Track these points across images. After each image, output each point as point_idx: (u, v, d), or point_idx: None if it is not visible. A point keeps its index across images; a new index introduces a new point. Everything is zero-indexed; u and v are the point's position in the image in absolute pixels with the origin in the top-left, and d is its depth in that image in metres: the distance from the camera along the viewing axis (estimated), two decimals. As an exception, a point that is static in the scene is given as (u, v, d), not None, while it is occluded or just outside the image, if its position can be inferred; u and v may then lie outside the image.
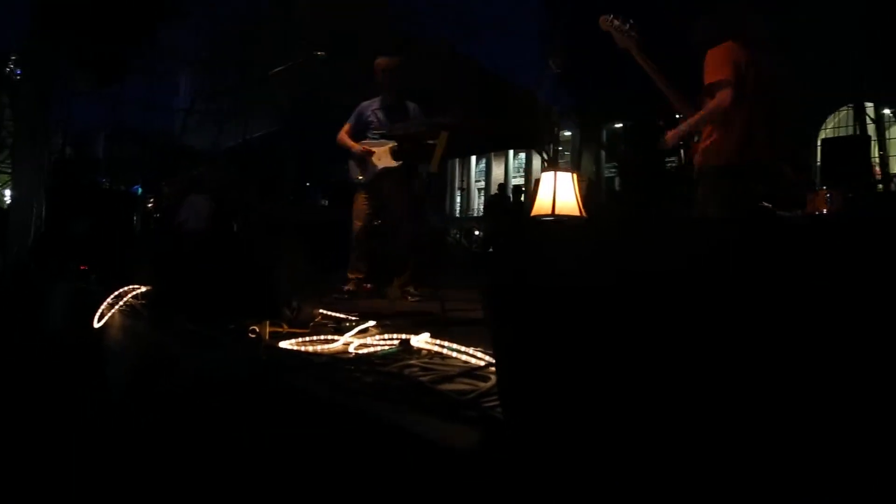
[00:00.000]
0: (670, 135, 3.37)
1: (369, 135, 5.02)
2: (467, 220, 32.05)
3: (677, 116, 3.50)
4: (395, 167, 4.84)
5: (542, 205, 2.44)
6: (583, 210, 2.44)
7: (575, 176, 2.49)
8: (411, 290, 4.83)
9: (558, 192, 2.35)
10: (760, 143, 3.29)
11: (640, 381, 1.16)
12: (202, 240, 3.56)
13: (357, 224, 5.01)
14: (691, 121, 3.29)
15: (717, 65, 3.22)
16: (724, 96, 3.14)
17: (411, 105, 5.03)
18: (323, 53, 4.57)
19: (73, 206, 6.79)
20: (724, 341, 1.02)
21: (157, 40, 9.66)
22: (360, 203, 5.02)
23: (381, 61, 4.94)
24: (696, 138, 3.42)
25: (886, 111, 9.71)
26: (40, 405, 3.57)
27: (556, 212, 2.33)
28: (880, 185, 6.99)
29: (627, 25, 3.34)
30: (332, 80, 7.32)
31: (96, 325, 3.56)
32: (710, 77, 3.24)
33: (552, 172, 2.41)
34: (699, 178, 3.35)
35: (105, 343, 3.42)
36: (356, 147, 4.96)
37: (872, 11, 9.47)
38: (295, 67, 4.66)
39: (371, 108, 5.06)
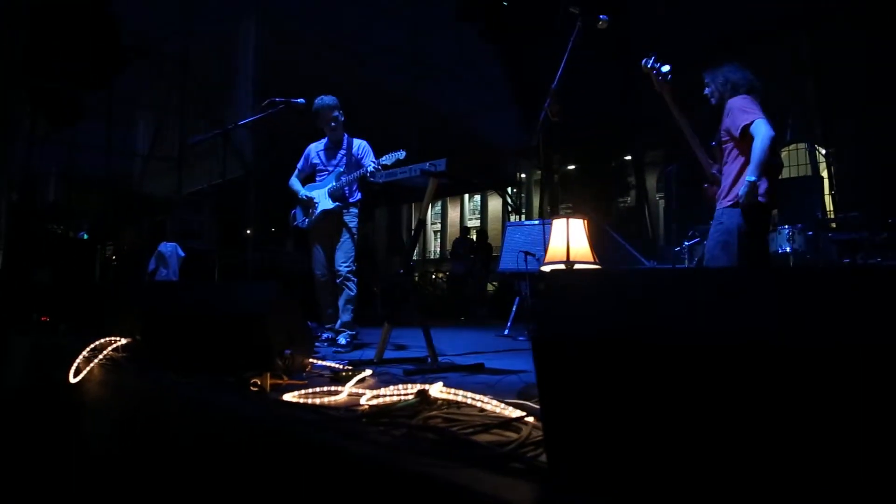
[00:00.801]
0: (751, 194, 3.34)
1: (317, 177, 5.03)
2: (424, 263, 32.03)
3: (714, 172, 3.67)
4: (332, 208, 4.81)
5: (555, 252, 2.46)
6: (595, 256, 2.47)
7: (586, 222, 2.53)
8: (340, 339, 4.76)
9: (571, 239, 2.38)
10: (777, 184, 3.49)
11: (698, 434, 1.17)
12: (188, 289, 3.47)
13: (316, 273, 4.97)
14: (757, 164, 3.33)
15: (744, 109, 3.39)
16: (766, 129, 3.31)
17: (357, 142, 4.98)
18: (304, 102, 4.57)
19: (32, 254, 6.58)
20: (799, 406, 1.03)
21: (116, 84, 9.54)
22: (315, 251, 4.98)
23: (316, 104, 4.90)
24: (704, 185, 3.56)
25: (822, 151, 10.14)
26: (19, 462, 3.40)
27: (571, 258, 2.36)
28: (834, 224, 7.23)
29: (664, 70, 3.49)
30: (299, 126, 7.32)
31: (72, 380, 3.42)
32: (742, 120, 3.39)
33: (563, 219, 2.45)
34: (745, 217, 3.38)
35: (85, 399, 3.28)
36: (301, 192, 4.97)
37: (816, 52, 9.96)
38: (273, 116, 4.64)
39: (316, 149, 5.07)
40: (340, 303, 4.82)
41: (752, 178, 3.30)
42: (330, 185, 4.84)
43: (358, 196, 4.97)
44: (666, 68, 3.46)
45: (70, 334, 4.49)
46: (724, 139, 3.55)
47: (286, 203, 5.23)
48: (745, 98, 3.45)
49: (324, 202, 4.83)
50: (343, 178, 4.78)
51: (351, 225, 4.89)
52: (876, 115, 9.56)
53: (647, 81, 3.51)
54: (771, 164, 3.34)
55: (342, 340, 4.71)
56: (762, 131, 3.30)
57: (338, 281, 4.82)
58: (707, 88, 3.70)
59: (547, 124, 3.08)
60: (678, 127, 3.56)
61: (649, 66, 3.49)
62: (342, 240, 4.84)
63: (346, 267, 4.80)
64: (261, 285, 2.99)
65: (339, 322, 4.81)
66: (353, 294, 4.82)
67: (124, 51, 9.51)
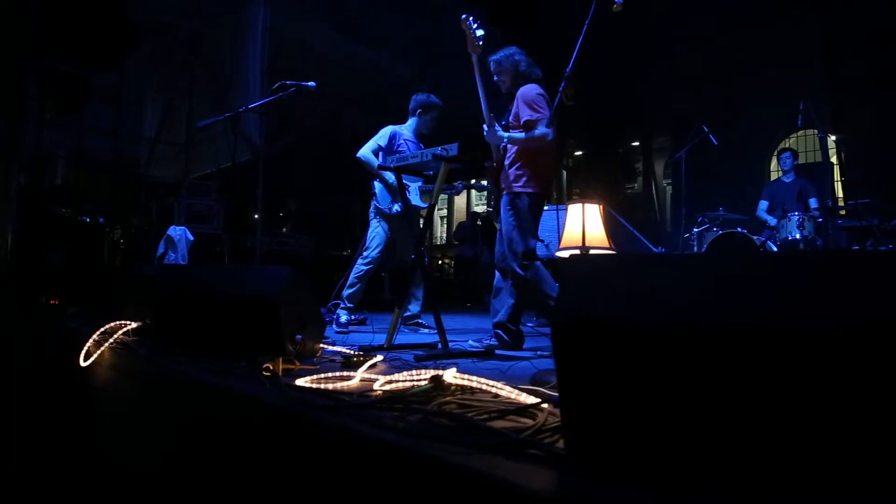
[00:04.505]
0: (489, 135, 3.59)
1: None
2: (431, 248, 31.95)
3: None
4: (423, 207, 4.92)
5: (570, 237, 2.45)
6: (610, 242, 2.45)
7: (601, 208, 2.50)
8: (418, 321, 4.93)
9: (587, 224, 2.37)
10: (551, 177, 3.69)
11: (722, 419, 1.16)
12: (200, 273, 3.46)
13: (375, 256, 4.94)
14: (511, 136, 3.55)
15: (535, 102, 3.51)
16: (546, 132, 3.40)
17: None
18: (315, 85, 4.53)
19: (41, 237, 6.59)
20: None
21: (124, 67, 9.50)
22: (383, 235, 4.95)
23: (436, 100, 5.07)
24: (493, 163, 3.71)
25: (833, 137, 10.11)
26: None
27: (587, 243, 2.34)
28: (843, 211, 7.17)
29: (478, 34, 3.50)
30: (308, 111, 7.29)
31: (83, 363, 3.43)
32: (528, 113, 3.51)
33: (579, 204, 2.43)
34: (514, 202, 3.54)
35: (95, 383, 3.29)
36: (392, 178, 4.82)
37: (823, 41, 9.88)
38: (283, 99, 4.61)
39: (403, 136, 5.01)
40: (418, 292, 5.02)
41: (500, 133, 3.52)
42: (420, 184, 4.91)
43: None
44: (480, 32, 3.49)
45: (79, 318, 4.50)
46: (512, 123, 3.65)
47: (294, 188, 5.23)
48: (534, 89, 3.56)
49: (415, 198, 4.95)
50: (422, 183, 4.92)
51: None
52: (888, 101, 9.47)
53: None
54: (540, 159, 3.49)
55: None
56: (544, 133, 3.40)
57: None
58: (495, 76, 3.80)
59: (562, 108, 3.08)
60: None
61: (469, 22, 3.50)
62: (421, 233, 5.01)
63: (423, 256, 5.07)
64: (274, 269, 2.98)
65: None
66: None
67: (133, 33, 9.47)
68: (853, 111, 9.70)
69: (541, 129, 3.41)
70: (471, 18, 3.50)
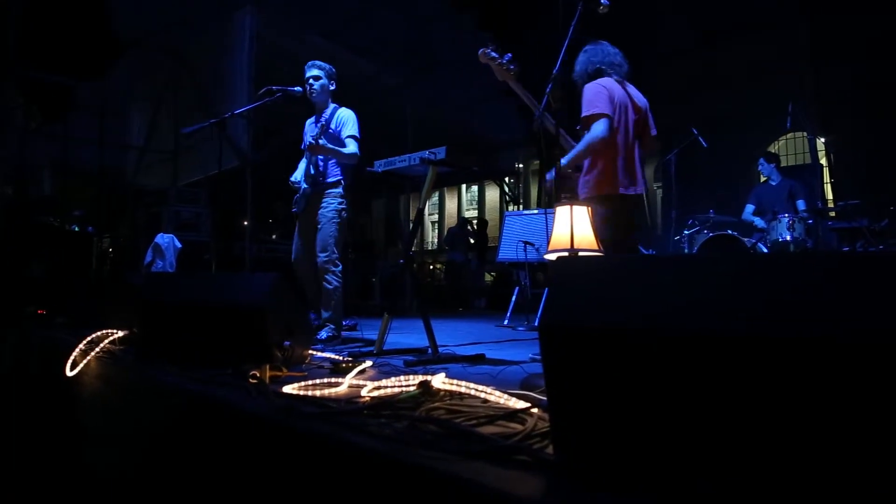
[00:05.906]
0: (556, 174, 3.35)
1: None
2: (422, 254, 31.95)
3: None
4: (310, 191, 4.40)
5: (559, 239, 2.43)
6: (599, 244, 2.44)
7: (589, 210, 2.49)
8: (321, 333, 4.28)
9: (575, 227, 2.35)
10: (634, 173, 3.45)
11: (711, 425, 1.14)
12: (187, 280, 3.43)
13: (292, 259, 4.58)
14: (571, 156, 3.35)
15: (591, 100, 3.31)
16: (600, 128, 3.23)
17: (340, 113, 4.49)
18: (301, 90, 4.47)
19: (28, 247, 6.53)
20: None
21: (110, 76, 9.47)
22: (294, 236, 4.56)
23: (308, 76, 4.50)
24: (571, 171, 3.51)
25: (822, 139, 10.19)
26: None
27: (575, 245, 2.33)
28: (833, 213, 7.20)
29: (505, 59, 3.38)
30: (296, 116, 7.26)
31: (69, 372, 3.39)
32: (585, 110, 3.32)
33: (568, 206, 2.41)
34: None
35: (81, 393, 3.25)
36: (293, 176, 4.58)
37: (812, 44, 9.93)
38: (269, 105, 4.55)
39: (307, 126, 4.63)
40: (322, 298, 4.36)
41: (567, 165, 3.31)
42: (305, 164, 4.49)
43: (337, 177, 4.44)
44: (508, 56, 3.38)
45: (67, 327, 4.45)
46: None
47: (282, 193, 5.12)
48: (596, 86, 3.36)
49: (304, 183, 4.45)
50: (308, 154, 4.45)
51: (329, 209, 4.35)
52: (876, 103, 9.54)
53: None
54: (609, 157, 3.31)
55: (322, 335, 4.25)
56: (597, 129, 3.23)
57: (319, 272, 4.34)
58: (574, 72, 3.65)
59: (549, 111, 3.05)
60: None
61: (489, 53, 3.37)
62: (319, 226, 4.33)
63: (325, 255, 4.27)
64: (260, 276, 2.95)
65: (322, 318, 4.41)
66: (330, 287, 4.27)
67: (118, 42, 9.44)
68: (841, 113, 9.75)
69: (595, 127, 3.22)
70: (488, 50, 3.37)
